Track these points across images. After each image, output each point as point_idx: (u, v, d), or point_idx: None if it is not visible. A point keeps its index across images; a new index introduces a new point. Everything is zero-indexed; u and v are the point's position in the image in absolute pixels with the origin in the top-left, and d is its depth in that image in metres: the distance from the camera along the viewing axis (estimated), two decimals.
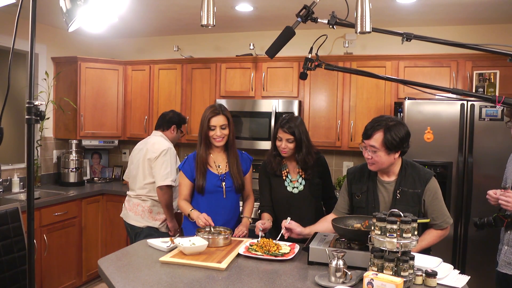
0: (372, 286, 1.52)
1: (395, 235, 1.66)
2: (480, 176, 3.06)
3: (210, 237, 2.20)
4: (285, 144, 2.47)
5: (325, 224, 2.28)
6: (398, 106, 3.50)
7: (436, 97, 3.05)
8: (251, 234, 2.54)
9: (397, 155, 2.07)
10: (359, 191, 2.21)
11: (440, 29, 3.89)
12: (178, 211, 3.15)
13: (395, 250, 1.66)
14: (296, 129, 2.45)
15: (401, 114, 3.32)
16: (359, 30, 1.75)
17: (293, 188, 2.57)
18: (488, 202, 2.27)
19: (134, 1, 3.42)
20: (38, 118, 1.34)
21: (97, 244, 4.16)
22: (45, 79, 4.30)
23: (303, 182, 2.56)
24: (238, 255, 2.07)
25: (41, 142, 4.27)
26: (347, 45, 3.95)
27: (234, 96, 4.09)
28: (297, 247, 2.15)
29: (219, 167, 2.58)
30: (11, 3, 1.74)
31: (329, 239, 2.07)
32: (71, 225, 3.82)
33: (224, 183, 2.55)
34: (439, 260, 1.91)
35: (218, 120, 2.49)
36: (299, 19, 1.90)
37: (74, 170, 4.31)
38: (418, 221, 1.80)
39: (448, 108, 3.12)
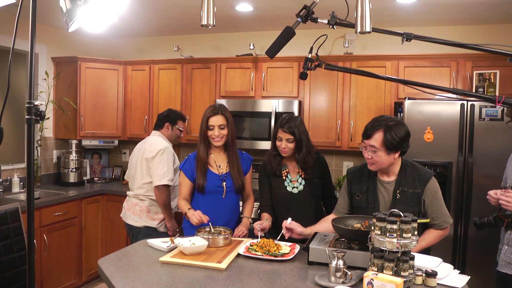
0: (372, 286, 1.52)
1: (395, 235, 1.66)
2: (480, 176, 3.06)
3: (210, 237, 2.20)
4: (285, 144, 2.47)
5: (325, 225, 2.28)
6: (398, 106, 3.50)
7: (436, 97, 3.04)
8: (251, 234, 2.54)
9: (397, 155, 2.07)
10: (359, 191, 2.21)
11: (440, 29, 3.89)
12: (179, 210, 3.15)
13: (395, 250, 1.66)
14: (296, 129, 2.45)
15: (401, 114, 3.32)
16: (359, 30, 1.75)
17: (293, 188, 2.57)
18: (488, 202, 2.27)
19: (134, 1, 3.42)
20: (38, 118, 1.34)
21: (97, 244, 4.16)
22: (45, 79, 4.30)
23: (303, 182, 2.56)
24: (238, 255, 2.07)
25: (41, 142, 4.27)
26: (347, 45, 3.95)
27: (234, 96, 4.09)
28: (297, 247, 2.15)
29: (219, 167, 2.58)
30: (11, 3, 1.74)
31: (329, 239, 2.07)
32: (71, 225, 3.82)
33: (224, 183, 2.55)
34: (439, 260, 1.91)
35: (216, 120, 2.49)
36: (299, 19, 1.90)
37: (74, 170, 4.31)
38: (418, 221, 1.80)
39: (448, 108, 3.12)
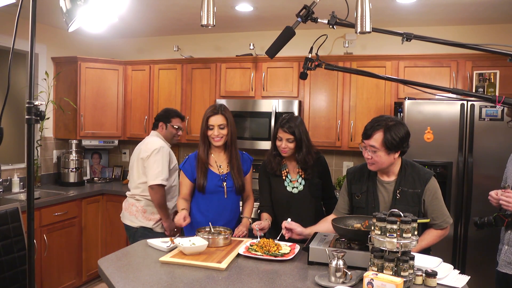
0: (372, 286, 1.52)
1: (395, 235, 1.66)
2: (480, 176, 3.06)
3: (210, 237, 2.20)
4: (285, 144, 2.47)
5: (325, 225, 2.28)
6: (398, 106, 3.50)
7: (436, 97, 3.04)
8: (251, 234, 2.54)
9: (397, 155, 2.07)
10: (359, 191, 2.21)
11: (440, 29, 3.89)
12: None
13: (395, 250, 1.66)
14: (296, 129, 2.45)
15: (401, 114, 3.32)
16: (359, 30, 1.75)
17: (293, 188, 2.57)
18: (489, 202, 2.27)
19: (134, 1, 3.42)
20: (38, 118, 1.34)
21: (97, 244, 4.16)
22: (45, 79, 4.30)
23: (303, 182, 2.56)
24: (238, 255, 2.07)
25: (41, 142, 4.27)
26: (347, 45, 3.95)
27: (234, 96, 4.09)
28: (297, 247, 2.15)
29: (220, 167, 2.58)
30: (11, 3, 1.74)
31: (329, 239, 2.07)
32: (71, 225, 3.83)
33: (225, 183, 2.56)
34: (439, 260, 1.90)
35: (216, 120, 2.49)
36: (299, 19, 1.90)
37: (74, 170, 4.32)
38: (418, 221, 1.80)
39: (448, 108, 3.12)
